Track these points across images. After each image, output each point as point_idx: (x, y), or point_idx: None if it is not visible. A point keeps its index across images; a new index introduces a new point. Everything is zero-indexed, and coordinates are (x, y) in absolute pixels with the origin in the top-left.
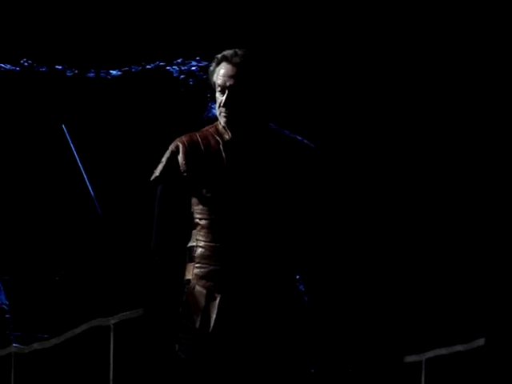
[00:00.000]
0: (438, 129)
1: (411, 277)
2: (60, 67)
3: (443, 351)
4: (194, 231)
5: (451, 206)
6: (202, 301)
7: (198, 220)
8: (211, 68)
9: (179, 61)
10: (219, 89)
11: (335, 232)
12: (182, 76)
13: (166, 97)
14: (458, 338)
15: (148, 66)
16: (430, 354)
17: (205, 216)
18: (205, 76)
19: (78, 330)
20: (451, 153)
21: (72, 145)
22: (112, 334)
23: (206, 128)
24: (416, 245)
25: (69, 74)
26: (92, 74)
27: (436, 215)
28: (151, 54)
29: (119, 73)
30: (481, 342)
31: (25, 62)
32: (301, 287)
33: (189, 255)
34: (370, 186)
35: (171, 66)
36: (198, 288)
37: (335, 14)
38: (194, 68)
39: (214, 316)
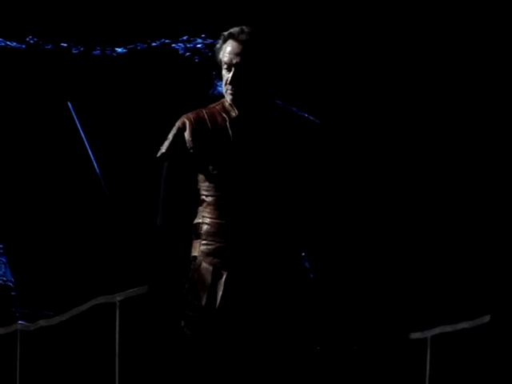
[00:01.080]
0: (439, 113)
1: (416, 254)
2: (65, 45)
3: (448, 328)
4: (200, 208)
5: (455, 186)
6: (209, 278)
7: (204, 197)
8: (217, 45)
9: (184, 38)
10: (225, 66)
11: (340, 208)
12: (187, 53)
13: (171, 74)
14: (463, 315)
15: (153, 44)
16: (436, 331)
17: (211, 193)
18: (210, 53)
19: (83, 307)
20: (455, 142)
21: (78, 122)
22: (118, 310)
23: (213, 105)
24: (421, 222)
25: (74, 52)
26: (97, 52)
27: (439, 194)
28: (156, 31)
29: (125, 50)
30: (486, 319)
31: (30, 39)
32: (306, 264)
33: (195, 232)
34: (375, 161)
35: (177, 44)
36: (204, 265)
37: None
38: (199, 45)
39: (220, 293)
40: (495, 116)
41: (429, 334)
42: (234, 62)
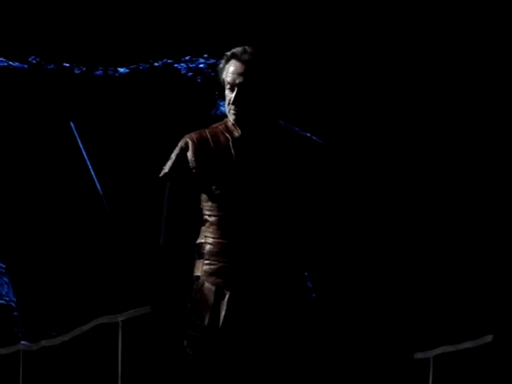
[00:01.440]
0: (439, 129)
1: (419, 274)
2: (68, 65)
3: (451, 348)
4: (202, 228)
5: (461, 204)
6: (211, 298)
7: (206, 217)
8: (220, 65)
9: (187, 58)
10: (228, 86)
11: (343, 229)
12: (189, 73)
13: (173, 94)
14: (465, 335)
15: (156, 64)
16: (438, 350)
17: (214, 213)
18: (213, 73)
19: (86, 328)
20: (456, 153)
21: (80, 142)
22: (120, 331)
23: (216, 125)
24: (425, 242)
25: (77, 72)
26: (100, 72)
27: (445, 213)
28: (159, 51)
29: (127, 70)
30: (488, 338)
31: (33, 59)
32: (308, 284)
33: (198, 252)
34: (377, 183)
35: (179, 64)
36: (207, 285)
37: (342, 13)
38: (201, 65)
39: (222, 313)
40: (495, 116)
41: (431, 353)
42: (237, 81)
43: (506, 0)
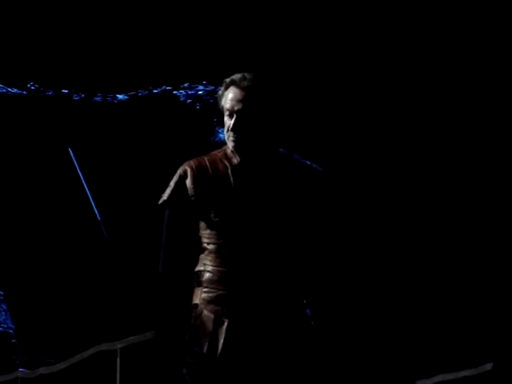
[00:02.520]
0: (439, 143)
1: (419, 302)
2: (66, 91)
3: (450, 376)
4: (201, 255)
5: (455, 229)
6: (210, 325)
7: (205, 244)
8: (220, 92)
9: (186, 85)
10: (227, 113)
11: (342, 257)
12: (188, 100)
13: (172, 121)
14: (465, 363)
15: (155, 91)
16: (438, 378)
17: (212, 240)
18: (211, 100)
19: (84, 355)
20: (451, 166)
21: (78, 169)
22: (118, 358)
23: (215, 152)
24: (424, 269)
25: (75, 98)
26: (99, 98)
27: (442, 236)
28: (158, 78)
29: (126, 97)
30: (488, 367)
31: (32, 85)
32: (307, 312)
33: (196, 279)
34: (378, 211)
35: (178, 91)
36: (205, 312)
37: (340, 41)
38: (200, 92)
39: (221, 341)
40: (495, 117)
41: (431, 381)
42: (236, 108)
43: (506, 0)
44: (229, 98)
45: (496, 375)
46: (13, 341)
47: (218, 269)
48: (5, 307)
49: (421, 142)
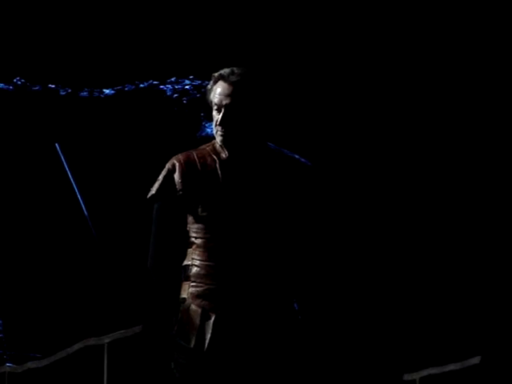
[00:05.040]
0: (434, 146)
1: (405, 296)
2: (53, 86)
3: (437, 370)
4: (189, 250)
5: (446, 230)
6: (197, 320)
7: (193, 239)
8: (208, 86)
9: (172, 79)
10: (216, 107)
11: (330, 251)
12: (175, 95)
13: (159, 115)
14: (452, 357)
15: (141, 85)
16: (424, 372)
17: (200, 235)
18: (198, 95)
19: (71, 349)
20: (449, 170)
21: (65, 163)
22: (106, 352)
23: (203, 146)
24: (410, 264)
25: (62, 93)
26: (85, 93)
27: (430, 235)
28: (144, 72)
29: (112, 91)
30: (475, 360)
31: (18, 80)
32: (295, 306)
33: (184, 274)
34: (366, 204)
35: (164, 85)
36: (193, 307)
37: (329, 33)
38: (187, 87)
39: (208, 335)
40: (495, 117)
41: (418, 375)
42: (224, 103)
43: (506, 0)
44: (217, 92)
45: (483, 369)
46: (0, 335)
47: (206, 263)
48: None
49: (409, 132)
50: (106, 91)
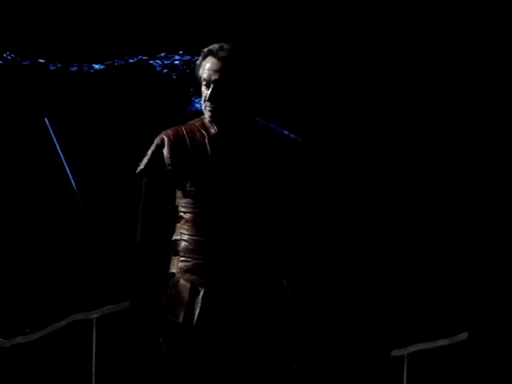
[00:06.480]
0: (424, 124)
1: (393, 272)
2: (43, 61)
3: (426, 345)
4: (178, 224)
5: (432, 203)
6: (186, 294)
7: (182, 213)
8: (197, 62)
9: (162, 55)
10: (204, 83)
11: (319, 226)
12: (165, 70)
13: (149, 91)
14: (440, 333)
15: (131, 60)
16: (412, 348)
17: (189, 210)
18: (188, 70)
19: (60, 324)
20: (440, 150)
21: (55, 138)
22: (94, 328)
23: (192, 121)
24: (399, 241)
25: (52, 68)
26: (75, 68)
27: (418, 213)
28: (134, 47)
29: (102, 67)
30: (463, 336)
31: (8, 55)
32: (283, 282)
33: (173, 248)
34: (357, 181)
35: (154, 60)
36: (182, 282)
37: (323, 9)
38: (177, 62)
39: (197, 310)
40: (495, 117)
41: (406, 351)
42: (213, 78)
43: (506, 0)
44: (206, 67)
45: (471, 345)
46: None
47: (194, 238)
48: None
49: (403, 108)
50: (96, 66)
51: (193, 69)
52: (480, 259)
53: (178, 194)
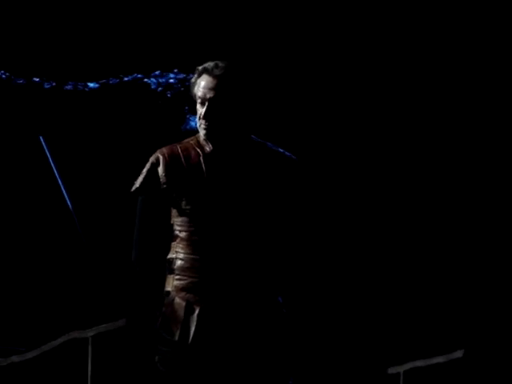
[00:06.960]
0: (423, 142)
1: (389, 290)
2: (37, 79)
3: (421, 363)
4: (173, 243)
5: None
6: (181, 313)
7: (177, 232)
8: (192, 80)
9: (157, 73)
10: (199, 101)
11: (315, 244)
12: (159, 88)
13: (143, 109)
14: (436, 350)
15: (125, 78)
16: (408, 365)
17: (184, 228)
18: (182, 88)
19: (55, 343)
20: (442, 168)
21: (50, 157)
22: (90, 346)
23: (187, 140)
24: (394, 259)
25: (46, 87)
26: (70, 87)
27: (414, 223)
28: (129, 66)
29: (97, 85)
30: (459, 353)
31: (2, 74)
32: (279, 299)
33: (168, 267)
34: (353, 199)
35: (149, 78)
36: (177, 300)
37: (316, 28)
38: (171, 80)
39: (192, 328)
40: (495, 117)
41: (402, 368)
42: (208, 96)
43: (506, 0)
44: (201, 85)
45: (467, 362)
46: None
47: (190, 256)
48: None
49: (398, 123)
50: (91, 85)
51: (188, 87)
52: (476, 276)
53: (174, 212)
